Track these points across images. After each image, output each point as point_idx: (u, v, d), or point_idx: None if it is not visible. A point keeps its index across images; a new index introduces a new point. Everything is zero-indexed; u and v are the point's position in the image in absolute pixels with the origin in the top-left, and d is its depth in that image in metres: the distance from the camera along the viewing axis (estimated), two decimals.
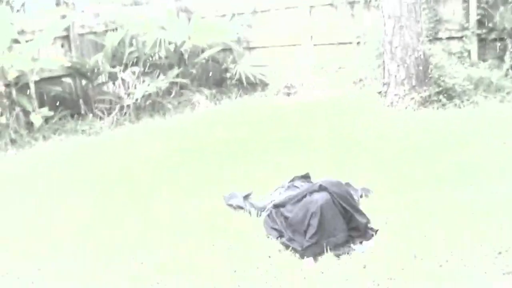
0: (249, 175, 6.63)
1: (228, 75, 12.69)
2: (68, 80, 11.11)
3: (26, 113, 9.99)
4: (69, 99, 11.08)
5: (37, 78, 10.24)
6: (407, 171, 6.24)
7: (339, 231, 4.58)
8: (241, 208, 5.52)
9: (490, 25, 10.12)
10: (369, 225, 4.79)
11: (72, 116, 10.70)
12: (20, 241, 5.44)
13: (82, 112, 10.96)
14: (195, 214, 5.62)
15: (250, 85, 12.39)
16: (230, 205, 5.64)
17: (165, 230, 5.29)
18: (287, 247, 4.64)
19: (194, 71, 12.19)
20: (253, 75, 12.31)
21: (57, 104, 10.88)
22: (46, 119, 10.19)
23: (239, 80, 12.44)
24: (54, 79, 10.85)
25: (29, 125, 9.95)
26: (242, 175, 6.66)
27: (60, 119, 10.46)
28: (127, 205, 6.12)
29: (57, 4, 11.48)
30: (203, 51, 12.19)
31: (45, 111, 10.11)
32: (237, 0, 13.14)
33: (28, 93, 10.13)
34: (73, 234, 5.45)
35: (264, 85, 12.26)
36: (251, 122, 9.39)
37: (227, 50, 12.92)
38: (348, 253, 4.45)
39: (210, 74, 12.96)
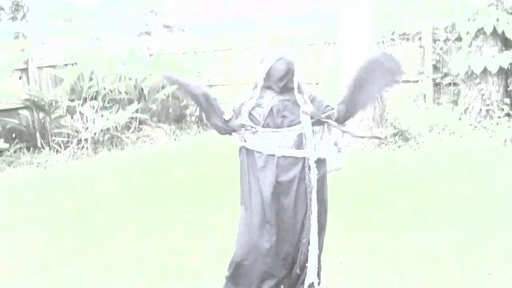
0: (208, 215, 6.61)
1: (188, 111, 12.74)
2: (25, 112, 11.00)
3: None
4: (26, 132, 10.95)
5: None
6: (363, 213, 6.31)
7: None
8: None
9: (445, 70, 10.44)
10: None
11: (28, 149, 10.56)
12: None
13: (39, 145, 10.83)
14: (150, 253, 5.56)
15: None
16: None
17: (120, 269, 5.22)
18: None
19: (154, 107, 12.20)
20: None
21: (13, 136, 10.74)
22: (1, 151, 10.05)
23: (199, 117, 12.48)
24: (11, 111, 10.73)
25: None
26: (201, 215, 6.63)
27: (15, 151, 10.32)
28: (81, 243, 6.02)
29: (16, 37, 11.42)
30: (163, 87, 12.21)
31: (0, 143, 9.96)
32: (198, 38, 13.26)
33: None
34: (24, 273, 5.33)
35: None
36: (210, 159, 9.39)
37: None
38: None
39: (170, 110, 12.98)
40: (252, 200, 4.14)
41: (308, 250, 4.11)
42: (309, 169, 4.08)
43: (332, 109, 4.21)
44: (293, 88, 4.11)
